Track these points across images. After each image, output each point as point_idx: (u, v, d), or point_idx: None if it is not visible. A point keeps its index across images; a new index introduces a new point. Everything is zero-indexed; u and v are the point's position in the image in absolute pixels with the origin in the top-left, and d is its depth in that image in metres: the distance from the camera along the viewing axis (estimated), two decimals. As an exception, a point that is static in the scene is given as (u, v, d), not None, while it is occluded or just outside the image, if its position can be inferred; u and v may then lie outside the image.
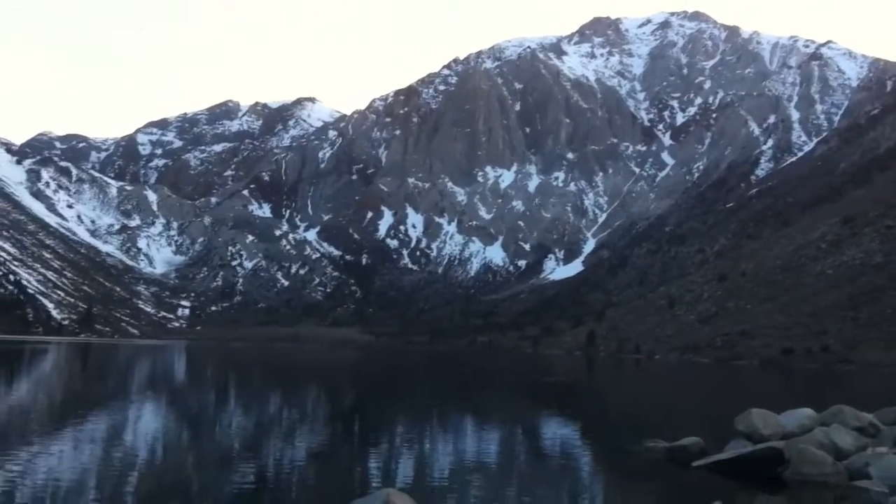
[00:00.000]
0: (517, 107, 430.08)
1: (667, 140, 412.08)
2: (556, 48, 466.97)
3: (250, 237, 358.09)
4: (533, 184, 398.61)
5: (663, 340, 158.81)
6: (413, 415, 37.00)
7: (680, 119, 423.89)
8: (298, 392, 51.38)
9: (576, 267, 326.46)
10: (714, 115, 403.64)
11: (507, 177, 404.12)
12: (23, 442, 23.24)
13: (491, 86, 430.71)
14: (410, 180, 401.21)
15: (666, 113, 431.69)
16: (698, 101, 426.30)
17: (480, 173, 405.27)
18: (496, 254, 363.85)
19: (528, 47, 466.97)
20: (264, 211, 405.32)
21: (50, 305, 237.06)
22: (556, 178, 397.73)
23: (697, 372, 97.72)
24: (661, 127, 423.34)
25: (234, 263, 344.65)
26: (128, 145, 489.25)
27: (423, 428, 31.26)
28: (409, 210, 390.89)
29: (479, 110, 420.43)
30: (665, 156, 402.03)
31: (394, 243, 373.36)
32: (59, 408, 35.47)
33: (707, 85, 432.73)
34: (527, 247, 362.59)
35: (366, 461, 22.47)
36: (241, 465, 21.00)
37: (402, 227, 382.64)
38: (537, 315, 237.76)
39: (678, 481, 21.09)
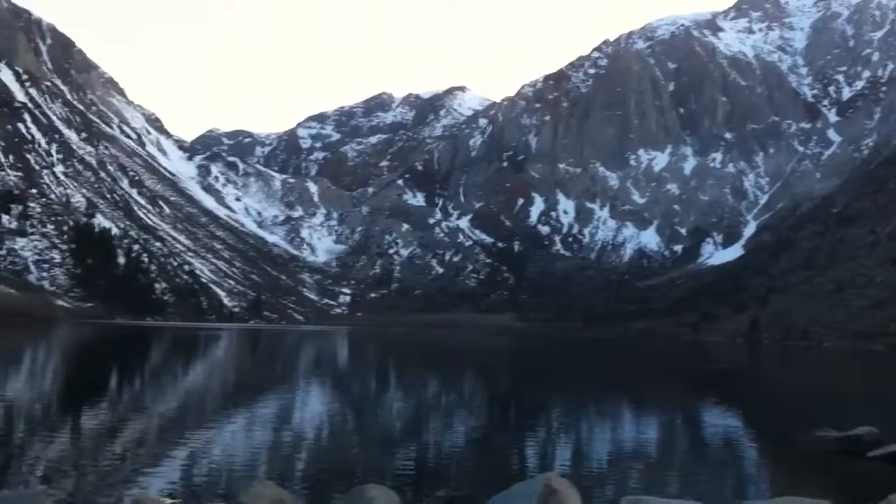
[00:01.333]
0: (671, 87, 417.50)
1: (832, 116, 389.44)
2: (711, 25, 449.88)
3: (405, 226, 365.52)
4: (689, 166, 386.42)
5: (833, 327, 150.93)
6: (570, 400, 37.04)
7: (846, 94, 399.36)
8: (456, 377, 52.31)
9: (735, 251, 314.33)
10: (884, 89, 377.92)
11: (661, 159, 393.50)
12: (200, 421, 24.93)
13: (643, 67, 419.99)
14: (561, 166, 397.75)
15: (831, 88, 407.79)
16: (866, 74, 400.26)
17: (633, 157, 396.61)
18: (651, 238, 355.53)
19: (682, 25, 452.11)
20: (418, 200, 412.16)
21: (222, 294, 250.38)
22: (714, 160, 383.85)
23: (870, 360, 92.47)
24: (825, 103, 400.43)
25: (390, 251, 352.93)
26: (289, 139, 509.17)
27: (581, 414, 31.28)
28: (561, 196, 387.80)
29: (630, 92, 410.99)
30: (831, 133, 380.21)
31: (545, 229, 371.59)
32: (232, 390, 37.71)
33: (875, 57, 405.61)
34: (683, 231, 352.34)
35: (524, 446, 22.76)
36: (402, 448, 21.73)
37: (553, 214, 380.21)
38: (695, 301, 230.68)
39: (851, 472, 20.23)
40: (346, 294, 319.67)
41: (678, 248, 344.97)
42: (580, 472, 18.75)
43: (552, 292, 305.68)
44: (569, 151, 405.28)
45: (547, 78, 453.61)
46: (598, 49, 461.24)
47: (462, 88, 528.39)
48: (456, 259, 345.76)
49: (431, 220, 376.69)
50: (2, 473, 15.88)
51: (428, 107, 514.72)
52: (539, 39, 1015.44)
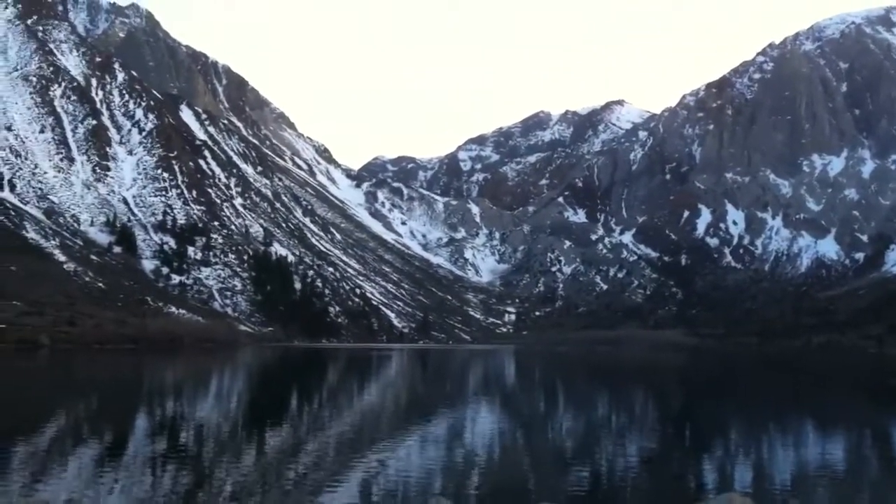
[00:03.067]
0: (843, 88, 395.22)
1: None
2: (885, 20, 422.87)
3: (567, 243, 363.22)
4: (867, 169, 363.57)
5: None
6: (747, 418, 35.67)
7: None
8: (626, 395, 51.47)
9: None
10: None
11: (836, 164, 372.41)
12: (377, 439, 25.75)
13: (812, 68, 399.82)
14: (728, 175, 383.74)
15: None
16: None
17: (806, 162, 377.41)
18: (829, 247, 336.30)
19: (852, 23, 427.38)
20: (579, 216, 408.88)
21: (391, 315, 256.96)
22: (894, 162, 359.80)
23: None
24: None
25: (553, 269, 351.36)
26: (450, 163, 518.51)
27: (759, 432, 30.06)
28: (729, 206, 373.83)
29: (800, 96, 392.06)
30: None
31: (714, 242, 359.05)
32: (405, 408, 38.70)
33: None
34: (864, 238, 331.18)
35: (700, 464, 22.18)
36: (575, 466, 21.65)
37: (721, 225, 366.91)
38: (880, 312, 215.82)
39: None
40: (510, 312, 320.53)
41: (859, 256, 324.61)
42: (762, 491, 18.09)
43: (724, 306, 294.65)
44: (735, 160, 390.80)
45: (709, 86, 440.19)
46: (762, 53, 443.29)
47: (620, 102, 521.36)
48: (620, 275, 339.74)
49: (594, 237, 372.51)
50: (193, 492, 17.02)
51: (586, 122, 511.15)
52: (698, 47, 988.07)
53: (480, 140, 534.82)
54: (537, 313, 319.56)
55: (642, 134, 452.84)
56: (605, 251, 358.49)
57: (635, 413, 38.62)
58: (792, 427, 32.30)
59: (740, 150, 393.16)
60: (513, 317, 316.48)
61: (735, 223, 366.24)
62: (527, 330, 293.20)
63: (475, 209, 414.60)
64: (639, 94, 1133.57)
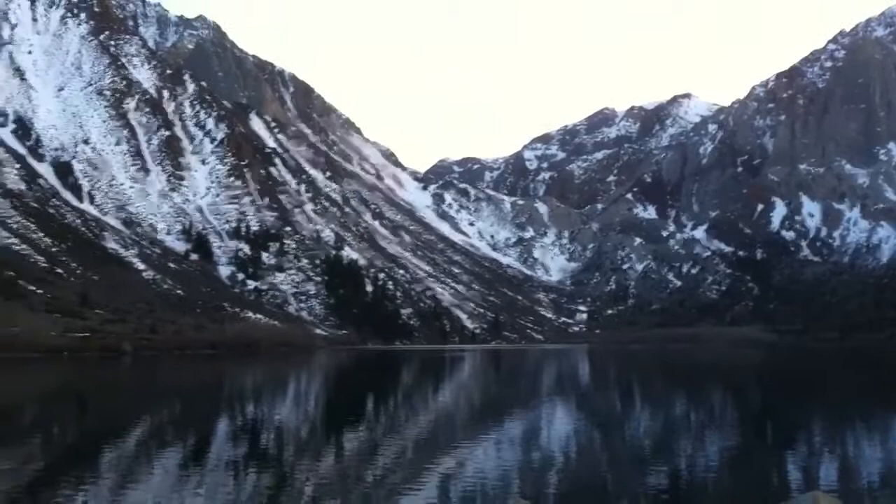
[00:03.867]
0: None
1: None
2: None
3: (638, 240, 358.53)
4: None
5: None
6: (831, 415, 34.75)
7: None
8: (703, 393, 50.62)
9: None
10: None
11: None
12: (453, 440, 25.84)
13: (886, 54, 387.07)
14: (802, 166, 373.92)
15: None
16: None
17: (882, 151, 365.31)
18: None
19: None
20: (649, 213, 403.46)
21: (463, 316, 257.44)
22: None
23: None
24: None
25: (624, 267, 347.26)
26: (516, 162, 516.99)
27: (844, 429, 29.25)
28: (804, 198, 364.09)
29: (873, 83, 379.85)
30: None
31: (790, 235, 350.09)
32: (480, 409, 38.77)
33: None
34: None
35: (783, 463, 21.69)
36: (655, 466, 21.37)
37: (797, 217, 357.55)
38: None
39: None
40: (582, 311, 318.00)
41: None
42: (848, 490, 17.60)
43: (802, 301, 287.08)
44: (809, 151, 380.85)
45: (779, 76, 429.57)
46: (833, 41, 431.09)
47: (687, 95, 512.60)
48: (694, 271, 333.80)
49: (665, 233, 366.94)
50: (274, 495, 17.33)
51: (653, 117, 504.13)
52: (765, 36, 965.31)
53: (546, 139, 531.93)
54: (609, 312, 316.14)
55: (711, 127, 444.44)
56: (677, 247, 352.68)
57: (714, 411, 37.97)
58: (878, 424, 31.35)
59: (813, 140, 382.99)
60: (584, 316, 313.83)
61: (811, 215, 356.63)
62: (599, 329, 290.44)
63: (543, 208, 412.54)
64: (706, 86, 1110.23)
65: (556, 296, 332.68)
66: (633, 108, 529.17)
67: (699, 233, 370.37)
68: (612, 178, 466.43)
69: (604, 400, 45.16)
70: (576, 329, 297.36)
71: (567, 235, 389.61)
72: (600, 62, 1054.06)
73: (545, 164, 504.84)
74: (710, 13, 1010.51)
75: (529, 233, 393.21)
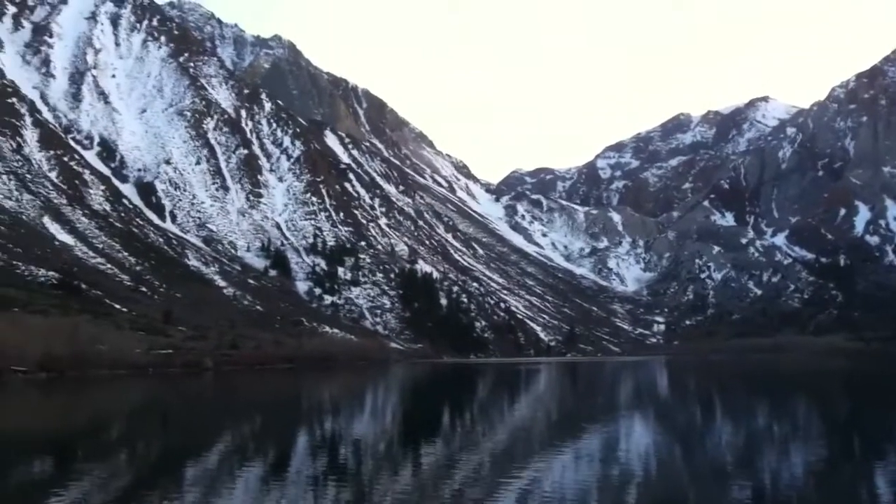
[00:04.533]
0: None
1: None
2: None
3: (716, 248, 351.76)
4: None
5: None
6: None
7: None
8: (788, 404, 49.28)
9: None
10: None
11: None
12: (530, 454, 25.72)
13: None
14: (886, 169, 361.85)
15: None
16: None
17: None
18: None
19: None
20: (727, 220, 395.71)
21: (537, 328, 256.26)
22: None
23: None
24: None
25: (702, 276, 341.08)
26: (589, 172, 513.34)
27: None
28: (889, 202, 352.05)
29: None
30: None
31: (874, 240, 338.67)
32: (557, 422, 38.51)
33: None
34: None
35: (874, 479, 20.99)
36: (736, 480, 20.92)
37: (881, 222, 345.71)
38: None
39: None
40: (659, 322, 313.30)
41: None
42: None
43: (889, 308, 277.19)
44: (892, 153, 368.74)
45: (860, 76, 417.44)
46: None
47: (765, 98, 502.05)
48: (775, 279, 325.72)
49: (744, 240, 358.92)
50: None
51: (729, 122, 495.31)
52: (843, 36, 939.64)
53: (619, 147, 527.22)
54: (688, 322, 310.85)
55: (790, 130, 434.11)
56: (756, 255, 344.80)
57: (800, 423, 36.94)
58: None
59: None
60: (662, 327, 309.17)
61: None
62: (677, 340, 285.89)
63: (617, 217, 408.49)
64: (784, 88, 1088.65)
65: (632, 306, 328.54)
66: (708, 112, 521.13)
67: (779, 239, 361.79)
68: (687, 185, 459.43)
69: (684, 412, 44.36)
70: (653, 340, 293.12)
71: (642, 245, 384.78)
72: (674, 67, 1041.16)
73: (619, 173, 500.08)
74: (788, 13, 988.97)
75: (604, 243, 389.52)
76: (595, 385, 75.19)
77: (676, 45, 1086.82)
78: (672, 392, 65.86)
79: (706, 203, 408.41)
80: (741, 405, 49.81)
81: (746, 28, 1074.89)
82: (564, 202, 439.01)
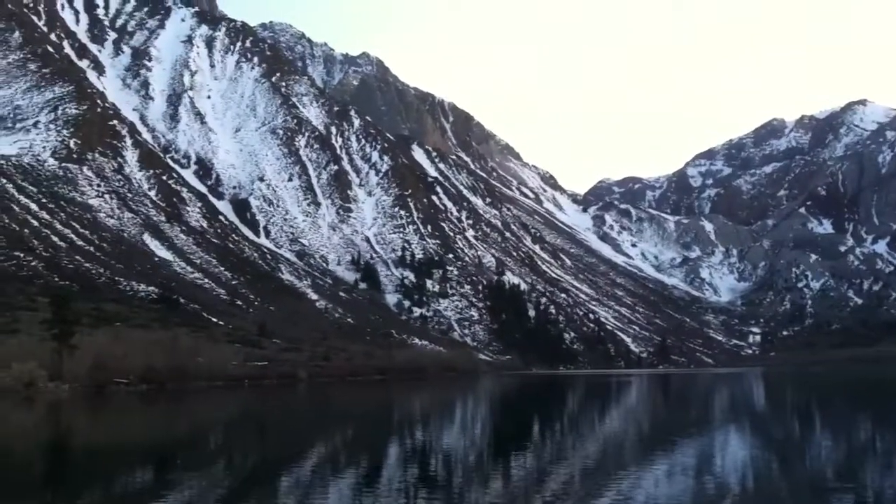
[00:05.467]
0: None
1: None
2: None
3: (813, 256, 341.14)
4: None
5: None
6: None
7: None
8: (891, 417, 47.38)
9: None
10: None
11: None
12: (623, 466, 25.43)
13: None
14: None
15: None
16: None
17: None
18: None
19: None
20: (825, 227, 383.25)
21: (628, 340, 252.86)
22: None
23: None
24: None
25: (799, 285, 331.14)
26: (679, 180, 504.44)
27: None
28: None
29: None
30: None
31: None
32: (648, 434, 37.93)
33: None
34: None
35: None
36: (837, 496, 20.31)
37: None
38: None
39: None
40: (755, 333, 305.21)
41: None
42: None
43: None
44: None
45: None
46: None
47: (863, 102, 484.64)
48: (876, 287, 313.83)
49: (842, 248, 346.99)
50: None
51: (825, 126, 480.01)
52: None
53: (710, 154, 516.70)
54: (784, 333, 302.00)
55: (890, 134, 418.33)
56: (856, 263, 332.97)
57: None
58: None
59: None
60: (758, 337, 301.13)
61: None
62: (774, 351, 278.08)
63: (709, 226, 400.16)
64: (883, 90, 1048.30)
65: (726, 317, 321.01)
66: (803, 117, 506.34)
67: (880, 247, 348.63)
68: (782, 192, 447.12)
69: (782, 425, 43.11)
70: (748, 352, 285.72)
71: (736, 254, 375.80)
72: (767, 71, 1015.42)
73: (710, 181, 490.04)
74: (884, 12, 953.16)
75: (695, 252, 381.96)
76: (688, 397, 73.70)
77: (768, 48, 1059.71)
78: (769, 404, 64.05)
79: (802, 210, 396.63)
80: (842, 418, 48.11)
81: (841, 29, 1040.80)
82: (654, 211, 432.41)
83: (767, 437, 35.85)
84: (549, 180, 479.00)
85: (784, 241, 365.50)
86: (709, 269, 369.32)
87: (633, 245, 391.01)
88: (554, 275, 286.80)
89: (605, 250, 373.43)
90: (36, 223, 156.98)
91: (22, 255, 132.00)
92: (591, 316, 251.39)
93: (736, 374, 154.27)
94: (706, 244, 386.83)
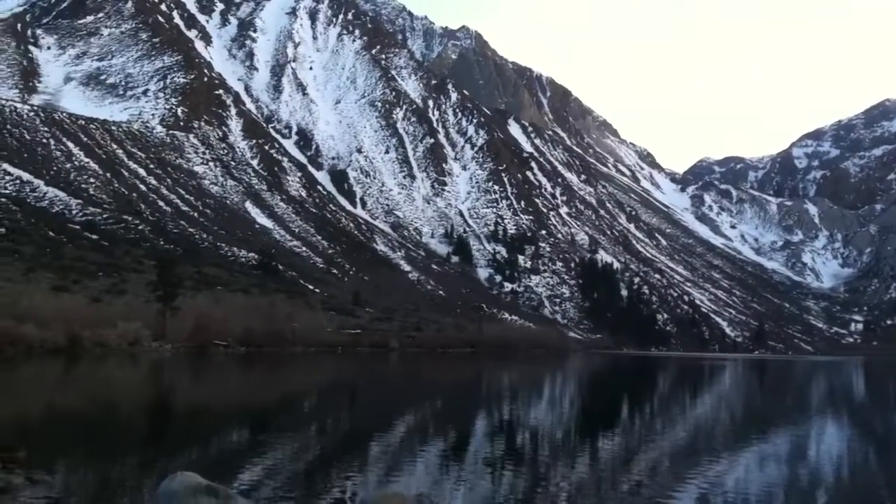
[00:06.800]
0: None
1: None
2: None
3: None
4: None
5: None
6: None
7: None
8: None
9: None
10: None
11: None
12: (712, 452, 25.10)
13: None
14: None
15: None
16: None
17: None
18: None
19: None
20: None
21: (723, 323, 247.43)
22: None
23: None
24: None
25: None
26: (783, 161, 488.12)
27: None
28: None
29: None
30: None
31: None
32: (742, 421, 37.28)
33: None
34: None
35: None
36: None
37: None
38: None
39: None
40: (857, 321, 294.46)
41: None
42: None
43: None
44: None
45: None
46: None
47: None
48: None
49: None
50: (528, 494, 17.80)
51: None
52: None
53: (817, 135, 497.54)
54: (889, 322, 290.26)
55: None
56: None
57: None
58: None
59: None
60: (860, 326, 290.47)
61: None
62: (877, 340, 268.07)
63: (813, 209, 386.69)
64: None
65: (827, 304, 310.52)
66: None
67: None
68: (892, 176, 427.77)
69: (881, 417, 41.73)
70: (850, 340, 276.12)
71: (840, 239, 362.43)
72: (879, 49, 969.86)
73: (816, 162, 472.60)
74: None
75: (798, 236, 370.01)
76: (785, 384, 71.88)
77: (881, 26, 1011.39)
78: (869, 395, 61.96)
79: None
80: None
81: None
82: (756, 192, 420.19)
83: (865, 429, 34.79)
84: (647, 158, 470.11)
85: (892, 226, 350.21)
86: (811, 254, 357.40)
87: (733, 227, 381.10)
88: (648, 255, 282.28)
89: (703, 231, 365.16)
90: (144, 188, 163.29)
91: (130, 218, 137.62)
92: (685, 298, 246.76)
93: (835, 362, 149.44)
94: (809, 228, 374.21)
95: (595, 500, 17.50)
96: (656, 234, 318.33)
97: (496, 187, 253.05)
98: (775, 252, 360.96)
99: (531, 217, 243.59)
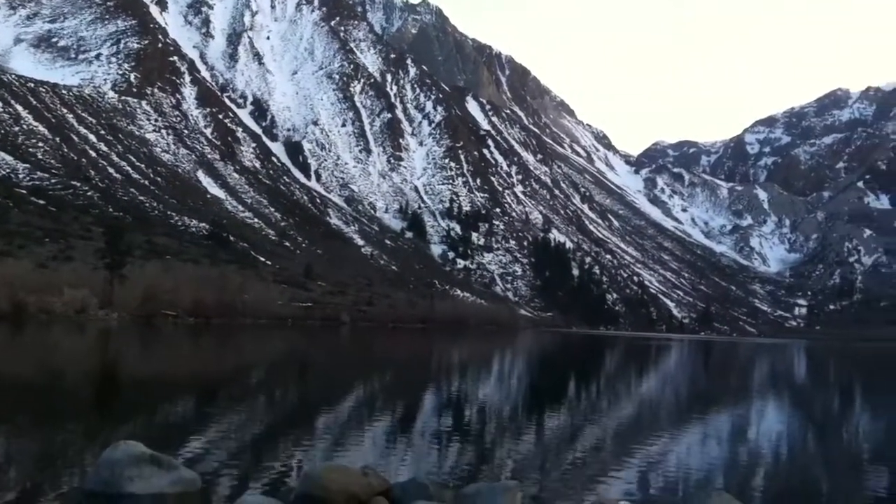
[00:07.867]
0: None
1: None
2: None
3: (868, 231, 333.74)
4: None
5: None
6: None
7: None
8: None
9: None
10: None
11: None
12: (655, 429, 25.51)
13: None
14: None
15: None
16: None
17: None
18: None
19: None
20: (882, 202, 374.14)
21: (671, 304, 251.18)
22: None
23: None
24: None
25: (851, 260, 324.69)
26: (736, 146, 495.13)
27: None
28: None
29: None
30: None
31: None
32: (685, 400, 37.94)
33: None
34: None
35: None
36: (872, 472, 20.21)
37: None
38: None
39: None
40: (801, 306, 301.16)
41: None
42: None
43: None
44: None
45: None
46: None
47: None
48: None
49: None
50: (477, 467, 17.96)
51: (891, 99, 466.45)
52: None
53: (770, 121, 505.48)
54: (832, 307, 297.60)
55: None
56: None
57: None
58: None
59: None
60: (804, 310, 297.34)
61: None
62: (820, 325, 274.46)
63: (763, 195, 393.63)
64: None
65: (773, 288, 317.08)
66: (868, 88, 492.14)
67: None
68: (841, 164, 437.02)
69: (821, 399, 42.79)
70: (793, 324, 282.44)
71: (788, 224, 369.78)
72: (832, 40, 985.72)
73: (768, 149, 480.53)
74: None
75: (747, 220, 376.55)
76: (729, 365, 73.27)
77: (834, 15, 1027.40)
78: (811, 378, 63.48)
79: (860, 184, 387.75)
80: (884, 394, 47.63)
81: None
82: (707, 177, 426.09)
83: (804, 409, 35.65)
84: (603, 140, 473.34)
85: (839, 214, 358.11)
86: (759, 239, 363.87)
87: (684, 210, 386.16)
88: (601, 235, 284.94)
89: (655, 213, 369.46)
90: (94, 154, 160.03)
91: (79, 184, 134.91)
92: (635, 279, 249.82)
93: (779, 345, 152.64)
94: (758, 212, 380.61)
95: (539, 474, 17.68)
96: (609, 216, 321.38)
97: (452, 164, 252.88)
98: (724, 236, 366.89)
99: (486, 195, 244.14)
